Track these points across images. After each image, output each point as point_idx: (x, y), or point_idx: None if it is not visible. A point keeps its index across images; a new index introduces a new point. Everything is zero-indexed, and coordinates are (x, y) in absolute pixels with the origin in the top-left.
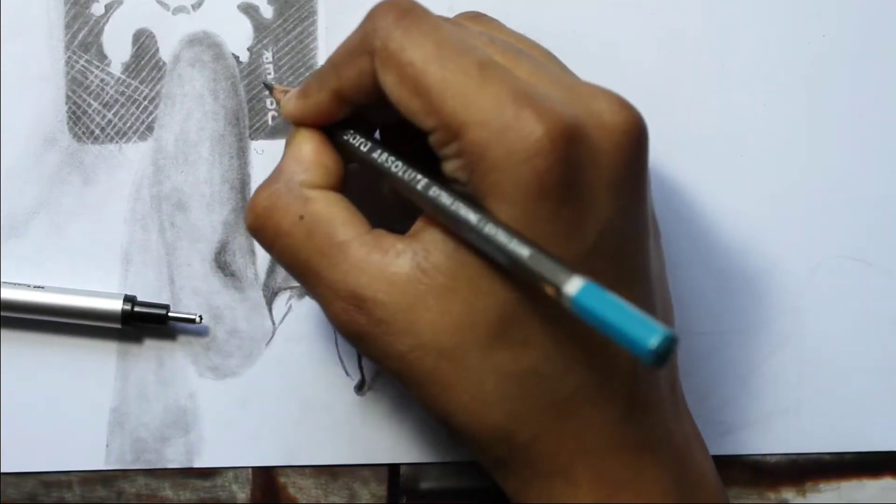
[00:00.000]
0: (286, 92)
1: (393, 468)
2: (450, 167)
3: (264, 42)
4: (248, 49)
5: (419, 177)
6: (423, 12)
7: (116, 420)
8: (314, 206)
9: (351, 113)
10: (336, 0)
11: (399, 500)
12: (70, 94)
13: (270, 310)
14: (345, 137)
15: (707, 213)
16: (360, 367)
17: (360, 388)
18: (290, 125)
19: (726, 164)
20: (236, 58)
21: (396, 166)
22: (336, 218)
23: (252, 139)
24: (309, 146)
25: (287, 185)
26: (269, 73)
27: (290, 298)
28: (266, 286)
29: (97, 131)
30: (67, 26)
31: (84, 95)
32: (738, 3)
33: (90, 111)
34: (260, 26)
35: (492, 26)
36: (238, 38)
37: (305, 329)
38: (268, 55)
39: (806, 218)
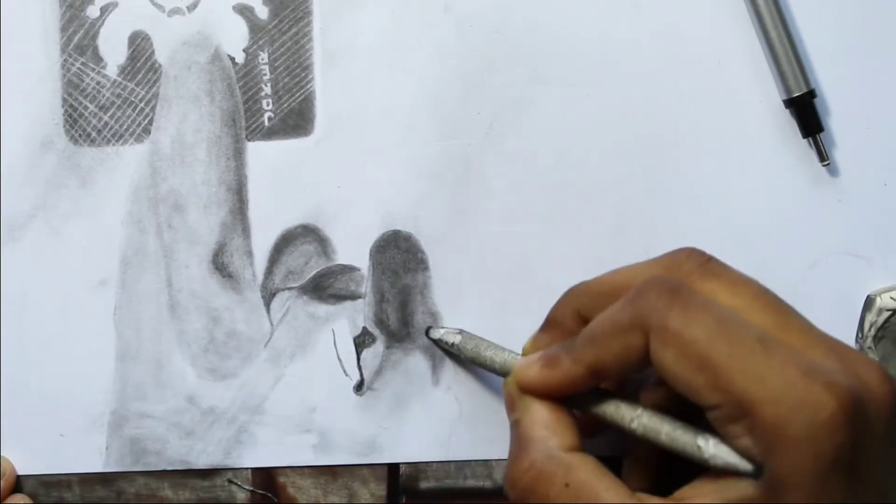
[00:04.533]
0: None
1: (392, 468)
2: (739, 444)
3: (260, 43)
4: (243, 50)
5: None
6: (692, 290)
7: (116, 422)
8: (578, 474)
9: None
10: (330, 0)
11: (398, 500)
12: (66, 96)
13: (269, 311)
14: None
15: (704, 209)
16: (359, 367)
17: (358, 388)
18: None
19: (723, 159)
20: (232, 59)
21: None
22: (600, 483)
23: (249, 140)
24: (546, 408)
25: (545, 454)
26: (265, 74)
27: (287, 299)
28: (264, 287)
29: (94, 134)
30: (63, 29)
31: (80, 98)
32: (737, 2)
33: (86, 114)
34: (255, 27)
35: (722, 272)
36: (234, 39)
37: (304, 329)
38: (263, 56)
39: (804, 214)
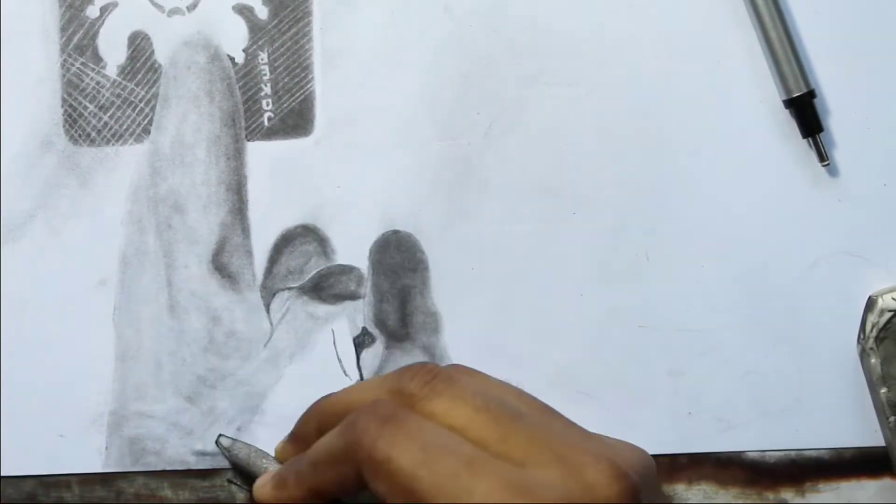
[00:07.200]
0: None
1: None
2: None
3: (259, 43)
4: (243, 50)
5: None
6: (405, 416)
7: (115, 423)
8: None
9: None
10: (330, 0)
11: None
12: (66, 96)
13: (268, 311)
14: None
15: (704, 210)
16: (359, 368)
17: None
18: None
19: (723, 159)
20: (231, 59)
21: None
22: None
23: (248, 140)
24: None
25: None
26: (265, 74)
27: (287, 299)
28: (264, 287)
29: (93, 134)
30: (63, 29)
31: (80, 98)
32: (737, 2)
33: (86, 114)
34: (255, 27)
35: (445, 389)
36: (233, 39)
37: (303, 330)
38: (263, 56)
39: (804, 214)
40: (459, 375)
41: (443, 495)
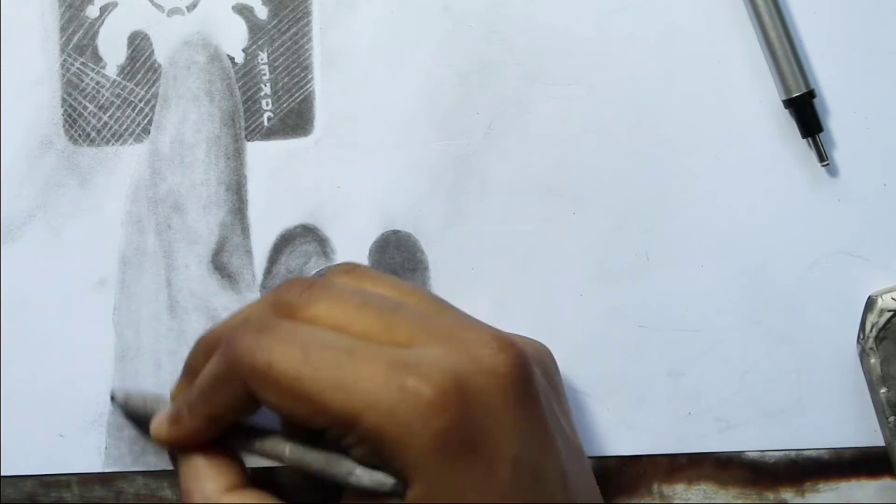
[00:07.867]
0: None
1: None
2: (357, 455)
3: (259, 43)
4: (243, 50)
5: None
6: (278, 323)
7: (115, 422)
8: None
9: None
10: (330, 0)
11: None
12: (66, 96)
13: None
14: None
15: (704, 210)
16: None
17: None
18: None
19: (723, 159)
20: (231, 59)
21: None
22: None
23: (248, 140)
24: (200, 456)
25: (204, 500)
26: (265, 74)
27: None
28: (264, 287)
29: (93, 134)
30: (62, 29)
31: (80, 98)
32: (736, 2)
33: (86, 114)
34: (255, 27)
35: (363, 280)
36: (233, 39)
37: None
38: (263, 56)
39: (804, 214)
40: (337, 279)
41: (329, 388)
